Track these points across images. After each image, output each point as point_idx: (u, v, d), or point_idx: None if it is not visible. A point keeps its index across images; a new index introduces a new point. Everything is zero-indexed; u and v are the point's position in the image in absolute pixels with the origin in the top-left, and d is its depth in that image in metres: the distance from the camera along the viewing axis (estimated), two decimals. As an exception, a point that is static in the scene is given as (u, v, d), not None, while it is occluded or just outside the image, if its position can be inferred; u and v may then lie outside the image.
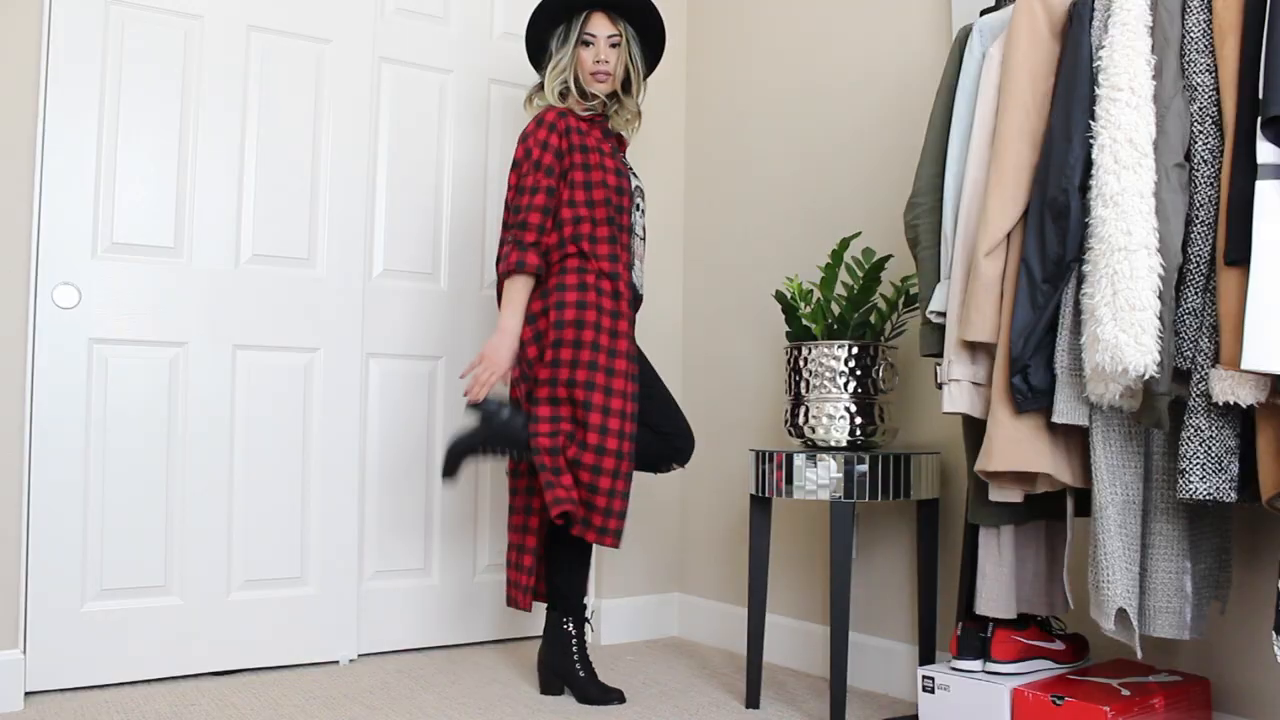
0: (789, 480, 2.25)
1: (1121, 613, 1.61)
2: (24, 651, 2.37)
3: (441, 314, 3.00)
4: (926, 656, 2.25)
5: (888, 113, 2.68)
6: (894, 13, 2.68)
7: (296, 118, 2.76)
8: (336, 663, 2.75)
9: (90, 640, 2.45)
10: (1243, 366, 1.37)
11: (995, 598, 1.87)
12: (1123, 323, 1.48)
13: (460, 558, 3.01)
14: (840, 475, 2.18)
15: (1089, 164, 1.59)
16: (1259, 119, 1.40)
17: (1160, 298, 1.49)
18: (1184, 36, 1.56)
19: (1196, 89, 1.54)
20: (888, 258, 2.38)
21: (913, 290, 2.36)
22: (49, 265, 2.45)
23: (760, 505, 2.39)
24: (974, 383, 1.78)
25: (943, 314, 1.86)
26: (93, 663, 2.45)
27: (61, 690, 2.42)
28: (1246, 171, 1.43)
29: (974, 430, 1.84)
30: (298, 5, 2.76)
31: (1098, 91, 1.59)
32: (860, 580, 2.63)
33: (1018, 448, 1.66)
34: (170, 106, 2.60)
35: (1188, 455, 1.49)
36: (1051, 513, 1.91)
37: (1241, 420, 1.48)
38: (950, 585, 2.34)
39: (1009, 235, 1.72)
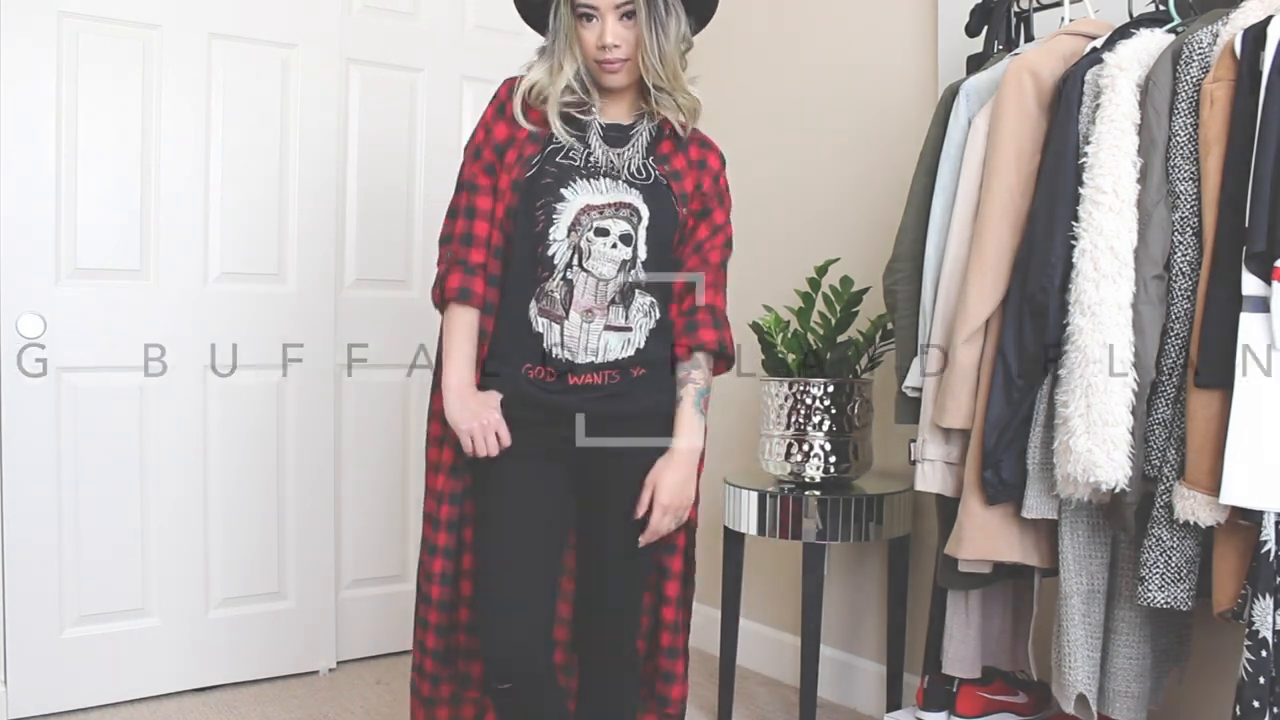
0: (763, 520, 2.28)
1: (1081, 696, 1.66)
2: (4, 681, 2.39)
3: (416, 322, 2.96)
4: (894, 702, 2.33)
5: (868, 132, 2.63)
6: (874, 30, 2.61)
7: (262, 127, 2.67)
8: (316, 673, 2.80)
9: (71, 666, 2.47)
10: (1221, 500, 1.39)
11: (961, 659, 1.92)
12: (1096, 437, 1.49)
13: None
14: (814, 518, 2.22)
15: (1070, 263, 1.58)
16: (1243, 249, 1.39)
17: (1133, 412, 1.50)
18: (1170, 140, 1.54)
19: (1179, 197, 1.52)
20: (865, 290, 2.37)
21: (889, 327, 2.36)
22: (11, 294, 2.39)
23: (734, 537, 2.43)
24: (947, 462, 1.80)
25: (918, 389, 1.86)
26: (74, 688, 2.48)
27: (44, 716, 2.45)
28: (1222, 296, 1.42)
29: (947, 503, 1.86)
30: (261, 10, 2.65)
31: (1082, 191, 1.57)
32: (836, 599, 2.69)
33: (988, 538, 1.69)
34: (131, 122, 2.51)
35: (1148, 564, 1.52)
36: (1020, 572, 1.95)
37: (1203, 531, 1.51)
38: (920, 613, 2.40)
39: (987, 321, 1.71)
